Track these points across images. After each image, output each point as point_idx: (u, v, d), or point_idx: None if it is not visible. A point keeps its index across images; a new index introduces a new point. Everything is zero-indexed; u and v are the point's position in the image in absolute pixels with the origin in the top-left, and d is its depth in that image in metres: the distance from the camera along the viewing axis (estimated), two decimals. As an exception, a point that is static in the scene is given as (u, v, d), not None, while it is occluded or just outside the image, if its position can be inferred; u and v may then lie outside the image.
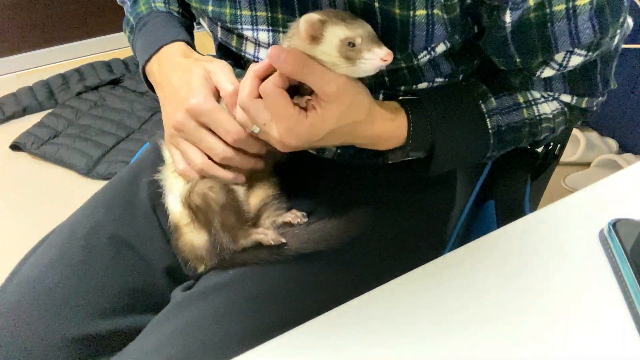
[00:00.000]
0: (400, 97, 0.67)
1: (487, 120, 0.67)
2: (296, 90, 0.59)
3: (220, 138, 0.67)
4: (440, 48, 0.63)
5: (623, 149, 1.99)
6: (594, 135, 1.99)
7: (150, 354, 0.62)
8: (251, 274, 0.66)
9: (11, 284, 0.72)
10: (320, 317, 0.55)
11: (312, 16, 0.55)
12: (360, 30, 0.56)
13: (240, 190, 0.71)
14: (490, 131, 0.68)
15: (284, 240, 0.64)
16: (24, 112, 2.37)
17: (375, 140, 0.65)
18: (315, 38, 0.55)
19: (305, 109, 0.58)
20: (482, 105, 0.67)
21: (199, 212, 0.68)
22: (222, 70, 0.69)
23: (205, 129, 0.67)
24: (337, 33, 0.55)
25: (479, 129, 0.68)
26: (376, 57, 0.55)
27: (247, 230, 0.66)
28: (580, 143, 1.91)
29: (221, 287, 0.66)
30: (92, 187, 0.88)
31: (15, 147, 2.16)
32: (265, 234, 0.65)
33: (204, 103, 0.66)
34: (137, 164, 0.85)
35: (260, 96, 0.58)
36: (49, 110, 2.35)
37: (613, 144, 1.98)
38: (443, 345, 0.52)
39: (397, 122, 0.65)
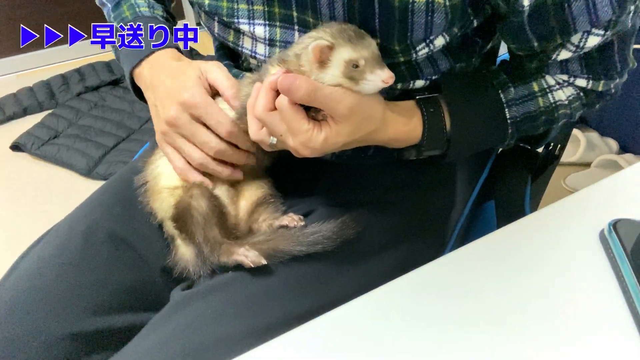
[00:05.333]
0: (418, 97, 0.68)
1: (506, 110, 0.68)
2: None
3: (213, 132, 0.68)
4: (439, 42, 0.64)
5: (623, 149, 1.98)
6: (594, 135, 1.99)
7: (150, 353, 0.62)
8: (251, 273, 0.66)
9: (9, 280, 0.72)
10: (320, 317, 0.55)
11: (321, 43, 0.58)
12: (364, 52, 0.58)
13: (224, 196, 0.72)
14: (508, 121, 0.68)
15: (264, 262, 0.64)
16: (25, 112, 2.37)
17: (390, 142, 0.67)
18: (323, 62, 0.58)
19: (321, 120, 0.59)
20: (502, 95, 0.68)
21: (182, 225, 0.69)
22: (219, 68, 0.69)
23: (198, 123, 0.68)
24: (342, 55, 0.58)
25: (497, 120, 0.68)
26: (378, 79, 0.58)
27: (230, 246, 0.66)
28: (581, 143, 1.91)
29: (221, 286, 0.66)
30: (92, 187, 0.88)
31: (15, 147, 2.16)
32: (246, 256, 0.64)
33: (198, 96, 0.67)
34: (137, 162, 0.85)
35: (275, 108, 0.59)
36: (50, 111, 2.35)
37: (613, 144, 1.98)
38: (443, 345, 0.52)
39: (412, 125, 0.66)
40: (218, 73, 0.69)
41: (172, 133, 0.70)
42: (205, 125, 0.68)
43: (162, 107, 0.71)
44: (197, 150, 0.69)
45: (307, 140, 0.58)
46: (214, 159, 0.69)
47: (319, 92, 0.56)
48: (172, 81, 0.71)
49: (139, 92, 0.79)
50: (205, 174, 0.72)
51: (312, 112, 0.59)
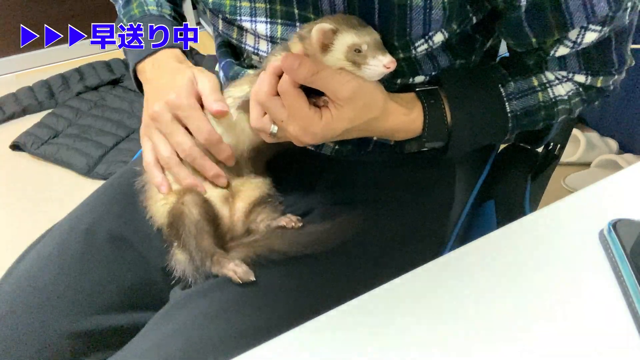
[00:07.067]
0: (418, 89, 0.68)
1: (507, 104, 0.68)
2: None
3: (191, 137, 0.68)
4: (438, 38, 0.64)
5: (623, 149, 1.98)
6: (594, 135, 1.99)
7: (150, 353, 0.62)
8: (251, 273, 0.66)
9: (9, 278, 0.72)
10: (320, 317, 0.55)
11: (325, 25, 0.58)
12: (367, 38, 0.59)
13: (218, 200, 0.71)
14: (509, 115, 0.68)
15: (253, 279, 0.64)
16: (24, 112, 2.37)
17: (390, 133, 0.67)
18: (326, 46, 0.58)
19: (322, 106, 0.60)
20: (502, 89, 0.68)
21: (175, 233, 0.69)
22: (208, 79, 0.70)
23: (178, 124, 0.69)
24: (346, 40, 0.58)
25: (498, 114, 0.68)
26: (379, 64, 0.59)
27: (222, 258, 0.66)
28: (580, 143, 1.91)
29: (220, 286, 0.66)
30: (92, 187, 0.88)
31: (15, 147, 2.16)
32: (235, 272, 0.64)
33: (184, 98, 0.68)
34: (136, 163, 0.85)
35: (278, 93, 0.59)
36: (49, 110, 2.35)
37: (613, 144, 1.98)
38: (443, 345, 0.52)
39: (413, 116, 0.66)
40: (205, 84, 0.69)
41: (152, 128, 0.71)
42: (186, 128, 0.69)
43: (151, 101, 0.72)
44: (168, 150, 0.69)
45: (308, 125, 0.58)
46: (182, 161, 0.69)
47: (322, 73, 0.57)
48: (166, 79, 0.72)
49: (141, 87, 0.79)
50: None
51: (313, 98, 0.59)
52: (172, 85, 0.70)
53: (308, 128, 0.58)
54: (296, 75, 0.56)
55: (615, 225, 0.60)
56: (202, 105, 0.70)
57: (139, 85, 0.79)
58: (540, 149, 0.96)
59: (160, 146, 0.70)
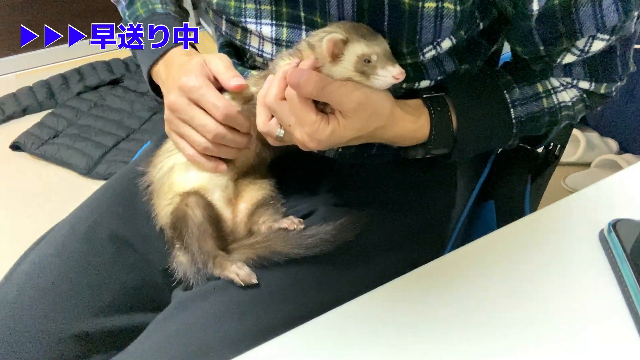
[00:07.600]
0: (425, 95, 0.68)
1: (511, 110, 0.68)
2: None
3: (212, 116, 0.67)
4: (446, 44, 0.64)
5: (623, 149, 1.98)
6: (594, 135, 1.99)
7: (152, 354, 0.62)
8: (252, 274, 0.66)
9: (11, 279, 0.72)
10: (320, 317, 0.55)
11: (336, 35, 0.58)
12: (377, 48, 0.59)
13: (221, 202, 0.71)
14: (513, 121, 0.68)
15: (255, 281, 0.64)
16: (24, 112, 2.37)
17: (397, 140, 0.67)
18: (336, 56, 0.58)
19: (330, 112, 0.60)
20: (507, 95, 0.68)
21: (178, 234, 0.69)
22: (220, 59, 0.69)
23: (196, 107, 0.67)
24: (356, 50, 0.58)
25: (502, 120, 0.68)
26: (389, 75, 0.59)
27: (224, 260, 0.66)
28: (580, 143, 1.91)
29: (222, 287, 0.66)
30: (92, 187, 0.88)
31: (15, 147, 2.16)
32: (237, 274, 0.64)
33: (194, 79, 0.67)
34: (137, 163, 0.85)
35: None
36: (49, 110, 2.35)
37: (613, 144, 1.98)
38: (443, 345, 0.52)
39: (419, 124, 0.66)
40: (218, 63, 0.68)
41: (174, 119, 0.70)
42: (205, 110, 0.67)
43: (166, 95, 0.71)
44: (199, 135, 0.68)
45: (314, 131, 0.58)
46: (216, 143, 0.68)
47: (328, 88, 0.57)
48: (177, 70, 0.71)
49: (157, 91, 0.78)
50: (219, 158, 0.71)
51: (320, 104, 0.59)
52: (182, 72, 0.69)
53: (314, 135, 0.58)
54: (301, 91, 0.56)
55: (615, 225, 0.60)
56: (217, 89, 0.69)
57: (156, 91, 0.78)
58: (540, 150, 0.96)
59: (192, 136, 0.68)
